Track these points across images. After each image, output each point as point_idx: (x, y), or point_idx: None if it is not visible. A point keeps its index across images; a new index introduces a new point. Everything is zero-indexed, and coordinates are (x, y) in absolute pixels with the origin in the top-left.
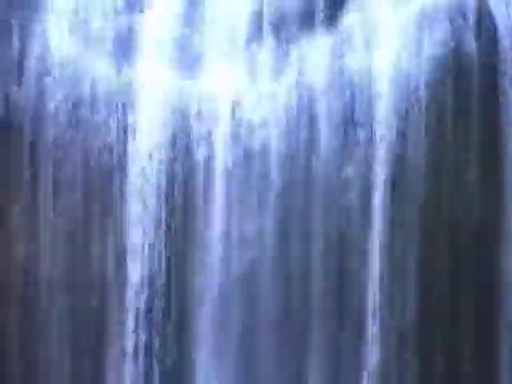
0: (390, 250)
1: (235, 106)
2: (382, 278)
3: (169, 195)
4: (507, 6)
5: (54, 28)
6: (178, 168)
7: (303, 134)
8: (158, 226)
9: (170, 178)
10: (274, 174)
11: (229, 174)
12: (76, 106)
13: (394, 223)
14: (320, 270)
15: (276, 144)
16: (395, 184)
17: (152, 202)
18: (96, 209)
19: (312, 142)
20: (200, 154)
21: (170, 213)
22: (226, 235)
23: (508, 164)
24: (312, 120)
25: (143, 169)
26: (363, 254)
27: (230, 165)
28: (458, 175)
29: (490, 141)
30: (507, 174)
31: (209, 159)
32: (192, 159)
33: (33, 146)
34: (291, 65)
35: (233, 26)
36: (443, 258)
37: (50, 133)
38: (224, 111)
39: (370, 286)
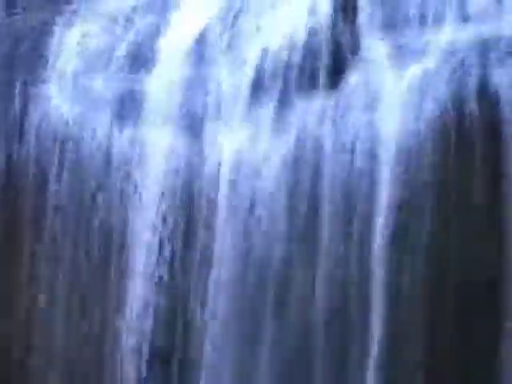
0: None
1: (236, 166)
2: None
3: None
4: (508, 73)
5: (55, 88)
6: (178, 231)
7: (303, 196)
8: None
9: (171, 241)
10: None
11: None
12: (77, 166)
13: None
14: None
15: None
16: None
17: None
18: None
19: (313, 203)
20: (202, 214)
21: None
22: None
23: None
24: (313, 182)
25: (147, 228)
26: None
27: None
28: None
29: (493, 204)
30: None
31: (211, 217)
32: (193, 218)
33: (35, 207)
34: (292, 127)
35: (235, 88)
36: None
37: (51, 194)
38: (225, 172)
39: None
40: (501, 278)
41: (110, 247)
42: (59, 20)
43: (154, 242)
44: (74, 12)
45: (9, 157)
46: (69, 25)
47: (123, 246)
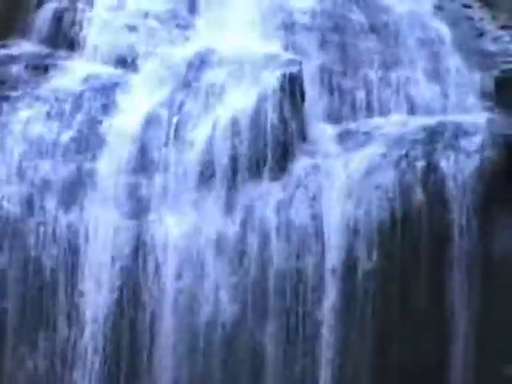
0: None
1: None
2: None
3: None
4: (455, 161)
5: (1, 171)
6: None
7: (252, 279)
8: None
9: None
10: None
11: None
12: (23, 252)
13: None
14: None
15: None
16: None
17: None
18: None
19: (260, 293)
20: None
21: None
22: None
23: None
24: (259, 267)
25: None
26: None
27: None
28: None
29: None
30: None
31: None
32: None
33: None
34: (239, 211)
35: (183, 170)
36: None
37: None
38: (172, 258)
39: None
40: (440, 363)
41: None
42: (4, 105)
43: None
44: (20, 98)
45: None
46: (14, 110)
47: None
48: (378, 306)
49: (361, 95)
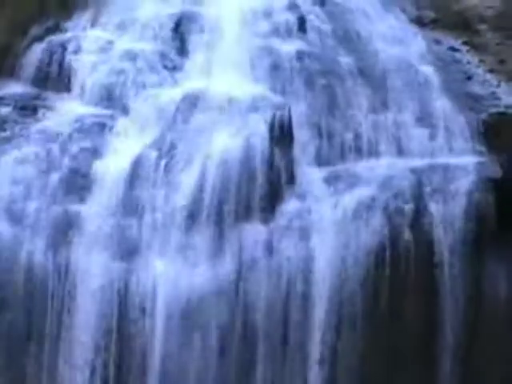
0: None
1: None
2: None
3: None
4: (444, 203)
5: None
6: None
7: (238, 323)
8: None
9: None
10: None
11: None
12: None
13: None
14: None
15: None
16: None
17: None
18: None
19: (247, 333)
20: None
21: None
22: None
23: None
24: (247, 308)
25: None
26: None
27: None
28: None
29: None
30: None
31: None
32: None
33: None
34: (228, 253)
35: (171, 213)
36: None
37: None
38: (160, 302)
39: None
40: None
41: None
42: None
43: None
44: (8, 139)
45: None
46: (2, 151)
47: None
48: (364, 344)
49: (349, 138)
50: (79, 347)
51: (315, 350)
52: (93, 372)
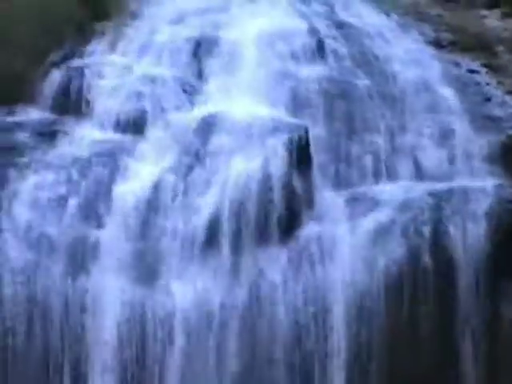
0: None
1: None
2: None
3: None
4: (463, 226)
5: (10, 237)
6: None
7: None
8: None
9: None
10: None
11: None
12: (30, 318)
13: None
14: None
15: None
16: None
17: None
18: None
19: (268, 354)
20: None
21: None
22: None
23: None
24: (268, 330)
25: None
26: None
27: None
28: None
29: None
30: None
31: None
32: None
33: None
34: (246, 277)
35: (189, 237)
36: None
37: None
38: (179, 326)
39: None
40: None
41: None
42: (12, 172)
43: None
44: (27, 164)
45: None
46: (21, 176)
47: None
48: (385, 367)
49: (368, 161)
50: (98, 377)
51: (332, 376)
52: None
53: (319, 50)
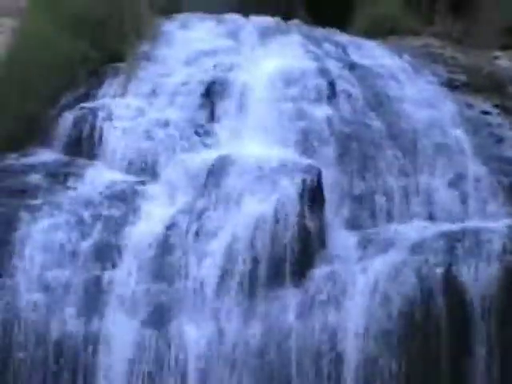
0: None
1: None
2: None
3: None
4: (476, 268)
5: (22, 280)
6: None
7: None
8: None
9: None
10: None
11: None
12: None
13: None
14: None
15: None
16: None
17: None
18: None
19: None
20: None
21: None
22: None
23: None
24: (277, 378)
25: None
26: None
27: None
28: None
29: None
30: None
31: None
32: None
33: None
34: (259, 318)
35: (202, 279)
36: None
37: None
38: (192, 367)
39: None
40: None
41: None
42: (24, 214)
43: None
44: (39, 207)
45: None
46: (34, 219)
47: None
48: None
49: (381, 202)
50: None
51: None
52: None
53: (331, 91)
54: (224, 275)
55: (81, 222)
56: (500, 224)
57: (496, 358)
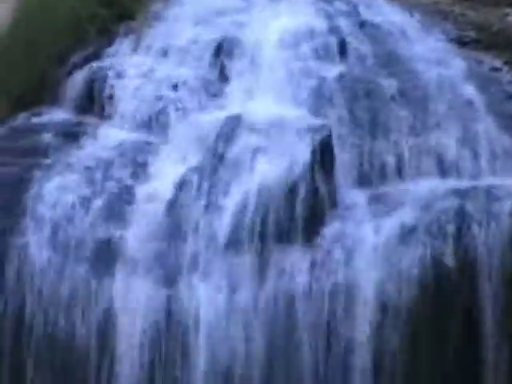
0: None
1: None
2: None
3: None
4: (487, 225)
5: (34, 238)
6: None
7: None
8: None
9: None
10: None
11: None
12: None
13: None
14: None
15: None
16: None
17: None
18: None
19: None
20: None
21: None
22: None
23: None
24: (289, 333)
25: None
26: None
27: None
28: None
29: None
30: None
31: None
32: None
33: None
34: (269, 277)
35: (213, 237)
36: None
37: (29, 340)
38: (203, 325)
39: None
40: None
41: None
42: (35, 173)
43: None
44: (50, 166)
45: None
46: (45, 179)
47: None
48: (407, 371)
49: (391, 160)
50: (123, 377)
51: (356, 376)
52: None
53: (342, 49)
54: (235, 233)
55: (92, 181)
56: (510, 181)
57: (506, 315)
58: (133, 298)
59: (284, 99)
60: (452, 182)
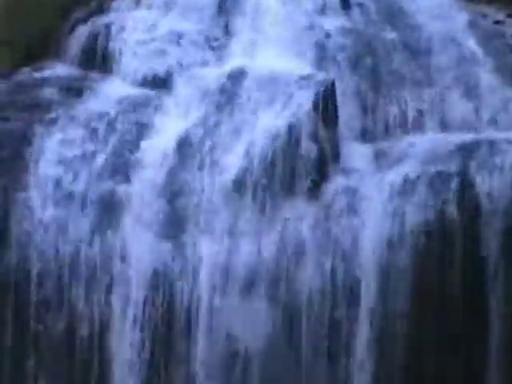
0: None
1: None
2: None
3: None
4: (489, 177)
5: (36, 194)
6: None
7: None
8: None
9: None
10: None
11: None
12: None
13: None
14: None
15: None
16: None
17: None
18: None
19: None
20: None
21: None
22: None
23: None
24: (291, 288)
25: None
26: None
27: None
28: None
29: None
30: None
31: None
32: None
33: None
34: (274, 230)
35: (217, 191)
36: None
37: (33, 295)
38: (205, 278)
39: None
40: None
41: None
42: (39, 128)
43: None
44: (54, 120)
45: None
46: (48, 133)
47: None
48: (411, 323)
49: (394, 113)
50: (126, 329)
51: (361, 329)
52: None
53: (345, 4)
54: (239, 188)
55: (95, 135)
56: None
57: (509, 266)
58: (136, 251)
59: (287, 53)
60: (455, 136)
